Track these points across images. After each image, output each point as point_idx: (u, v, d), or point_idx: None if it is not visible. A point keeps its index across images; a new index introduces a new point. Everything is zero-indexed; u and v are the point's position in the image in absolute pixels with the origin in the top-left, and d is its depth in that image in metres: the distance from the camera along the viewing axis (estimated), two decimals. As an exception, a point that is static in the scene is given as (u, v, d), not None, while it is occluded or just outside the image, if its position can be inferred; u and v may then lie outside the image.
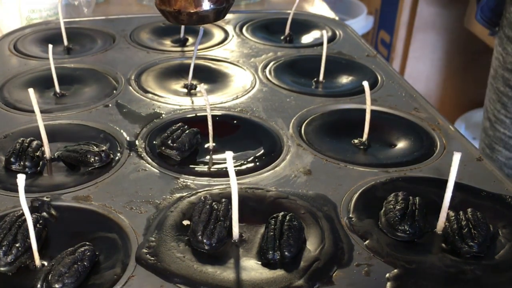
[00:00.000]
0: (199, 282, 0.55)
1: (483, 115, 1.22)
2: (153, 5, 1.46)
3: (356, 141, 0.81)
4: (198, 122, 0.82)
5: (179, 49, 1.12)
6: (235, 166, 0.57)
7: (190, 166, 0.75)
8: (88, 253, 0.56)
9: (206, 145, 0.79)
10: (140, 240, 0.60)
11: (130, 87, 0.95)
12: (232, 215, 0.59)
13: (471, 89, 2.19)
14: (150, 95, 0.93)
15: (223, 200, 0.63)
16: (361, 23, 2.08)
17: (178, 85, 0.97)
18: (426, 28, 2.11)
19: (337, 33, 1.22)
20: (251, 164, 0.75)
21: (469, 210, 0.63)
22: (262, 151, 0.78)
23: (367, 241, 0.61)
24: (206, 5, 0.63)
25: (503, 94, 1.12)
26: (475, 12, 1.19)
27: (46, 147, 0.74)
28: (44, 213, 0.64)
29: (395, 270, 0.57)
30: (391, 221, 0.62)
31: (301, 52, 1.12)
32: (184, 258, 0.58)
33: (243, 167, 0.75)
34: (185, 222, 0.63)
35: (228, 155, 0.56)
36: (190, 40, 1.15)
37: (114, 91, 0.94)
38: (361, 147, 0.80)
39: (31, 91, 0.71)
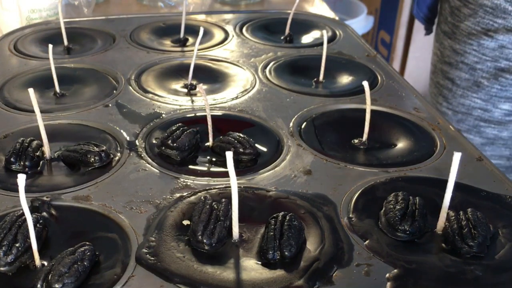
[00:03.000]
0: (199, 282, 0.55)
1: None
2: (153, 5, 1.47)
3: (356, 141, 0.81)
4: (198, 122, 0.82)
5: (179, 49, 1.12)
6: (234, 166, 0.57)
7: (190, 166, 0.75)
8: (88, 253, 0.56)
9: (206, 145, 0.79)
10: (140, 240, 0.60)
11: (130, 87, 0.95)
12: (232, 215, 0.59)
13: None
14: (150, 95, 0.93)
15: (223, 200, 0.63)
16: (361, 23, 2.08)
17: (178, 85, 0.97)
18: (426, 28, 2.10)
19: (337, 33, 1.22)
20: (251, 164, 0.75)
21: (469, 210, 0.63)
22: (262, 151, 0.78)
23: (367, 241, 0.61)
24: None
25: (443, 87, 1.17)
26: (412, 6, 1.25)
27: (46, 147, 0.74)
28: (44, 213, 0.64)
29: (395, 270, 0.57)
30: (391, 221, 0.62)
31: (301, 52, 1.12)
32: (184, 258, 0.58)
33: (243, 167, 0.75)
34: (185, 222, 0.63)
35: (228, 155, 0.56)
36: (190, 40, 1.15)
37: (114, 91, 0.94)
38: (361, 147, 0.80)
39: (31, 91, 0.71)
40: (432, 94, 1.23)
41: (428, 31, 1.28)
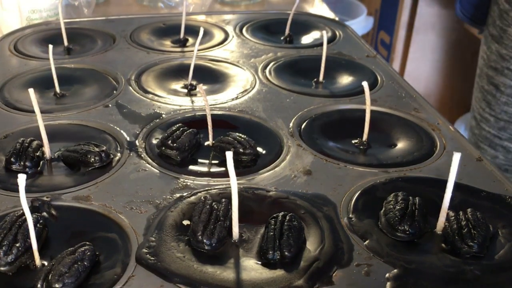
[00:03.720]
0: (199, 282, 0.55)
1: (470, 114, 1.22)
2: (153, 5, 1.47)
3: (356, 141, 0.81)
4: (198, 122, 0.82)
5: (179, 49, 1.12)
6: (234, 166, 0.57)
7: (190, 166, 0.75)
8: (88, 253, 0.56)
9: (206, 145, 0.79)
10: (140, 240, 0.60)
11: (130, 87, 0.95)
12: (232, 215, 0.59)
13: (471, 89, 2.19)
14: (150, 95, 0.93)
15: (223, 200, 0.63)
16: (361, 24, 2.08)
17: (178, 86, 0.97)
18: (426, 29, 2.11)
19: (337, 33, 1.22)
20: (251, 164, 0.75)
21: (469, 210, 0.63)
22: (262, 151, 0.78)
23: (367, 241, 0.61)
24: None
25: (487, 93, 1.13)
26: (455, 5, 1.19)
27: (46, 147, 0.74)
28: (44, 213, 0.64)
29: (395, 270, 0.57)
30: (391, 221, 0.62)
31: (301, 53, 1.12)
32: (184, 258, 0.58)
33: (243, 167, 0.75)
34: (185, 222, 0.63)
35: (228, 155, 0.56)
36: (190, 40, 1.15)
37: (114, 91, 0.94)
38: (361, 147, 0.80)
39: (31, 91, 0.71)
40: (476, 98, 1.18)
41: (481, 31, 1.23)
